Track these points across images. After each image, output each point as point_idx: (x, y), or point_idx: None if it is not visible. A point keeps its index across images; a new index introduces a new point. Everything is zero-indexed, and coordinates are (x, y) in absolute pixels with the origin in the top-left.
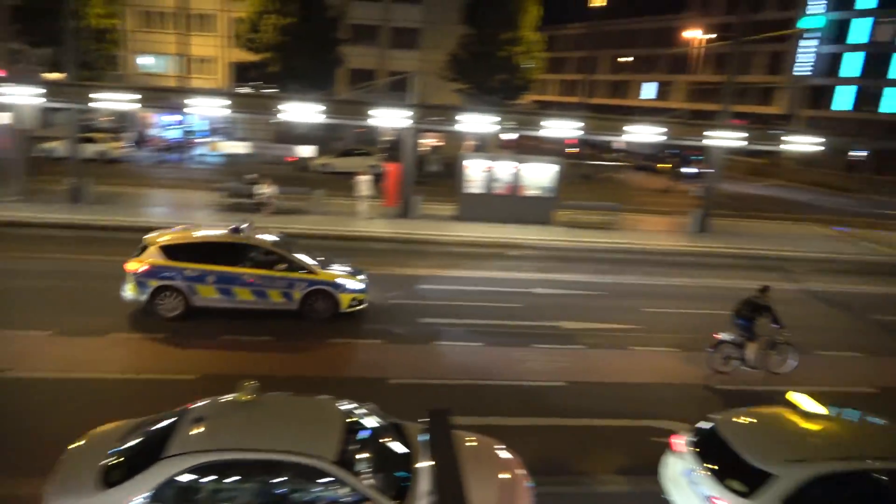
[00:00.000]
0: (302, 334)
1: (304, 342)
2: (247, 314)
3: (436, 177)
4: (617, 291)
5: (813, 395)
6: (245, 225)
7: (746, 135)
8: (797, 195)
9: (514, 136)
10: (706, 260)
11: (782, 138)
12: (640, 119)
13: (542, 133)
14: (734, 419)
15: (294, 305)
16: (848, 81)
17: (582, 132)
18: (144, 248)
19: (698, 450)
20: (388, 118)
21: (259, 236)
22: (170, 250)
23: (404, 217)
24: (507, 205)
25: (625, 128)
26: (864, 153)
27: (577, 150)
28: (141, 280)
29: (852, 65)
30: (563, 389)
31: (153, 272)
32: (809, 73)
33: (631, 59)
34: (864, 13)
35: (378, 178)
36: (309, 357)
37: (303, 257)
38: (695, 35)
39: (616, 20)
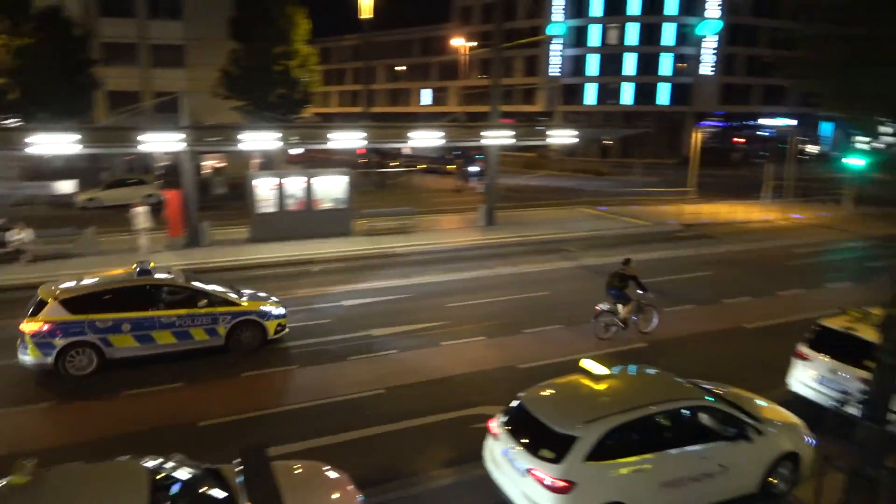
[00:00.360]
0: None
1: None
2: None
3: (223, 199)
4: (422, 292)
5: (599, 358)
6: (150, 265)
7: (515, 132)
8: (565, 183)
9: (301, 150)
10: (497, 251)
11: (546, 133)
12: (421, 125)
13: (328, 145)
14: (537, 393)
15: (220, 341)
16: (592, 80)
17: (367, 141)
18: (39, 305)
19: (510, 428)
20: (159, 143)
21: (161, 275)
22: (72, 303)
23: (194, 246)
24: (304, 220)
25: (409, 134)
26: (611, 141)
27: (367, 159)
28: (42, 341)
29: (593, 65)
30: (382, 397)
31: (58, 329)
32: (560, 74)
33: (405, 67)
34: (596, 20)
35: (157, 207)
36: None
37: (218, 289)
38: (460, 43)
39: (388, 31)
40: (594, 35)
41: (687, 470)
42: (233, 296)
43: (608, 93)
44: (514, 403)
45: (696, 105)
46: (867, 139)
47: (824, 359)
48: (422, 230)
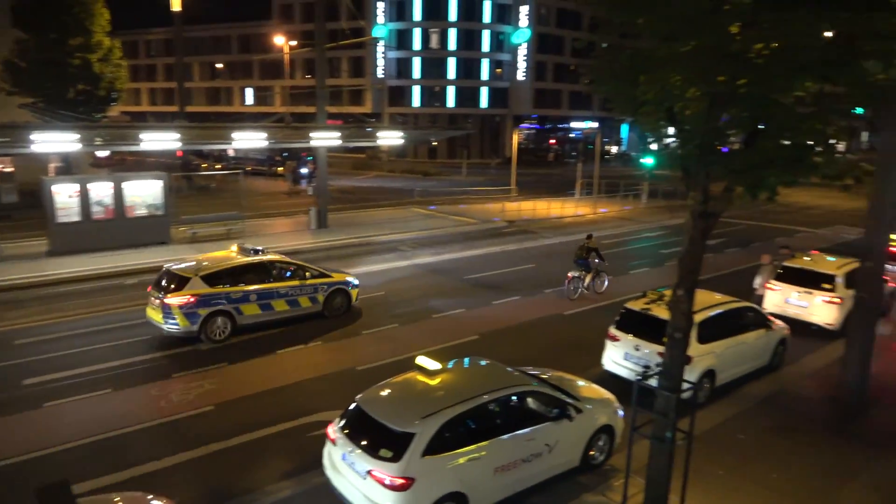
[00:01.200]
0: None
1: None
2: None
3: (14, 209)
4: None
5: (434, 354)
6: (260, 248)
7: (343, 133)
8: (395, 183)
9: (108, 152)
10: (330, 253)
11: (375, 134)
12: (243, 125)
13: (140, 147)
14: (374, 394)
15: (319, 307)
16: (417, 82)
17: (184, 143)
18: (168, 281)
19: (348, 431)
20: None
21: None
22: (211, 278)
23: None
24: (114, 229)
25: (231, 135)
26: (437, 142)
27: (186, 161)
28: (189, 311)
29: (417, 68)
30: (211, 414)
31: (202, 301)
32: (386, 76)
33: (224, 65)
34: (417, 24)
35: None
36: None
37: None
38: (282, 41)
39: (203, 26)
40: (417, 39)
41: (518, 453)
42: (323, 269)
43: (433, 95)
44: (352, 406)
45: (514, 108)
46: (653, 140)
47: (629, 338)
48: (250, 235)
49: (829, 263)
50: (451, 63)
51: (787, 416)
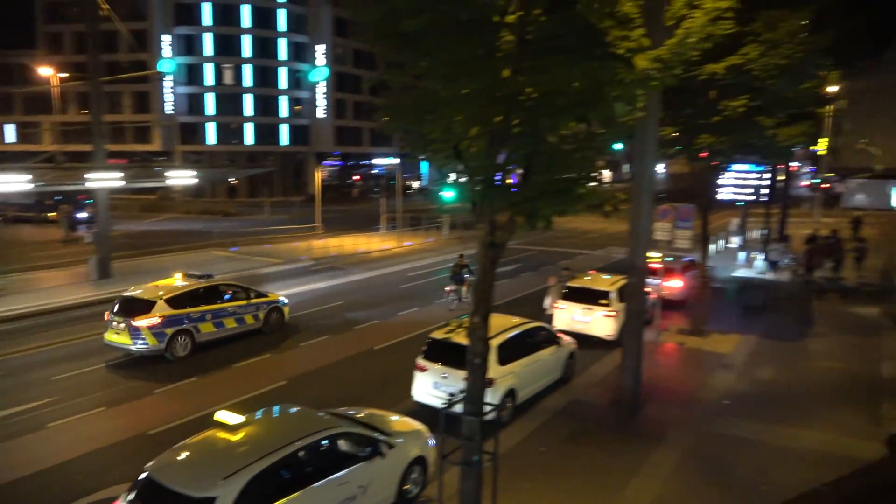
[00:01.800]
0: None
1: None
2: None
3: None
4: (19, 364)
5: (236, 406)
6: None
7: (127, 173)
8: (192, 225)
9: None
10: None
11: (164, 174)
12: (2, 166)
13: None
14: (168, 459)
15: (260, 324)
16: (212, 119)
17: None
18: (132, 306)
19: None
20: None
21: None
22: (174, 301)
23: None
24: None
25: None
26: (236, 180)
27: None
28: (157, 331)
29: (211, 104)
30: None
31: (168, 322)
32: (175, 112)
33: None
34: (209, 59)
35: None
36: None
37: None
38: (50, 73)
39: None
40: (209, 74)
41: (332, 498)
42: (262, 290)
43: (230, 132)
44: (141, 476)
45: (316, 145)
46: (446, 175)
47: (436, 367)
48: (16, 292)
49: (604, 281)
50: (248, 99)
51: (581, 424)
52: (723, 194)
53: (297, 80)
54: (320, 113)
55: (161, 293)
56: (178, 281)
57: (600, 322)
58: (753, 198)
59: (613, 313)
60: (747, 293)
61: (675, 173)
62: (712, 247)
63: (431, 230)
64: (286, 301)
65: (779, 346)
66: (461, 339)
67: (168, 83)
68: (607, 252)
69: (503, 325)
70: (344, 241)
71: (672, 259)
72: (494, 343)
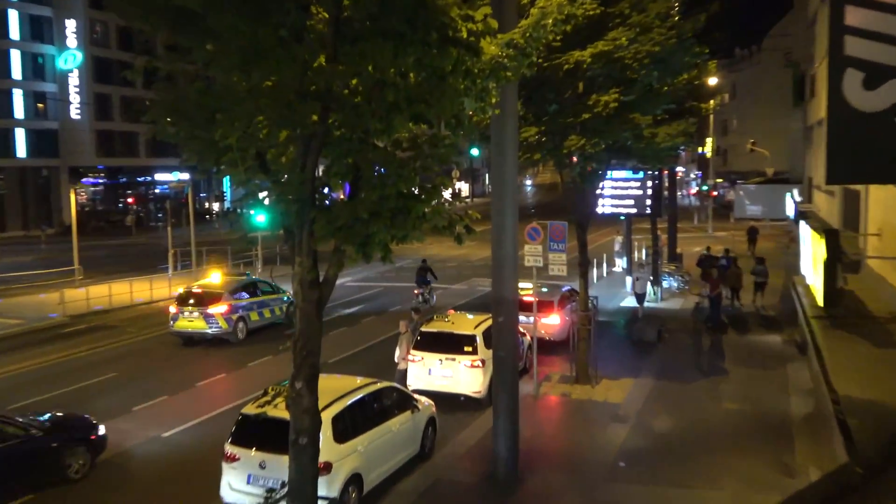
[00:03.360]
0: None
1: None
2: None
3: None
4: None
5: None
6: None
7: None
8: None
9: None
10: None
11: None
12: None
13: None
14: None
15: (282, 317)
16: None
17: None
18: (203, 298)
19: None
20: None
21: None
22: (233, 292)
23: None
24: None
25: None
26: None
27: None
28: (227, 317)
29: None
30: None
31: (233, 310)
32: None
33: None
34: None
35: None
36: None
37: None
38: None
39: None
40: None
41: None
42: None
43: None
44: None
45: (70, 158)
46: (253, 192)
47: (252, 453)
48: None
49: (468, 322)
50: None
51: None
52: (603, 207)
53: (37, 68)
54: (74, 113)
55: (223, 286)
56: (225, 277)
57: (465, 375)
58: (634, 210)
59: (480, 363)
60: (638, 327)
61: (545, 184)
62: (594, 272)
63: (240, 266)
64: None
65: (676, 389)
66: (283, 412)
67: None
68: (471, 285)
69: (340, 390)
70: (115, 289)
71: (547, 290)
72: (328, 414)
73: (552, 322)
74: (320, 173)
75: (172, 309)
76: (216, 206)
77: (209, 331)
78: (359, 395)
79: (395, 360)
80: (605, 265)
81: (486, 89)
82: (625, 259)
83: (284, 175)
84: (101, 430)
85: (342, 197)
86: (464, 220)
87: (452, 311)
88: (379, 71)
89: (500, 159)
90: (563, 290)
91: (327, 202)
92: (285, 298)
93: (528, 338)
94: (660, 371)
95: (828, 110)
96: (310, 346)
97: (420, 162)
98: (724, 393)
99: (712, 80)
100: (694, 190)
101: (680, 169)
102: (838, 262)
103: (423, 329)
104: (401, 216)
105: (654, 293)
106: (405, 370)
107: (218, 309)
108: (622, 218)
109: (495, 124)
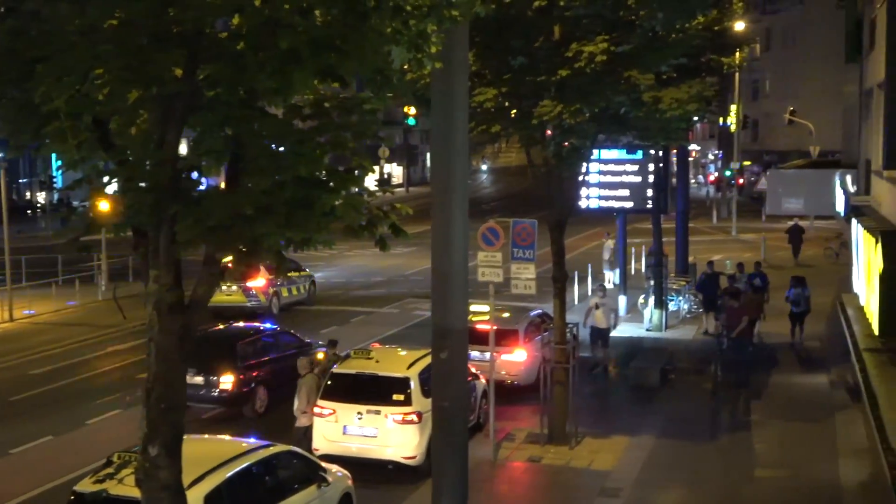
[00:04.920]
0: None
1: None
2: None
3: None
4: None
5: None
6: None
7: None
8: None
9: None
10: None
11: None
12: None
13: None
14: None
15: (305, 295)
16: None
17: None
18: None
19: None
20: None
21: None
22: (269, 270)
23: None
24: None
25: None
26: None
27: None
28: (265, 292)
29: None
30: None
31: (270, 284)
32: None
33: None
34: None
35: None
36: None
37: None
38: None
39: None
40: None
41: None
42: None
43: None
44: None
45: None
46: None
47: None
48: None
49: (399, 360)
50: None
51: None
52: (588, 200)
53: None
54: None
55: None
56: None
57: (395, 435)
58: (631, 204)
59: (416, 417)
60: (635, 365)
61: (509, 168)
62: (575, 289)
63: (76, 284)
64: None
65: (687, 451)
66: (131, 489)
67: None
68: (405, 308)
69: (218, 457)
70: None
71: (510, 315)
72: (198, 493)
73: (516, 359)
74: (186, 151)
75: None
76: (41, 197)
77: (247, 304)
78: (244, 465)
79: (294, 412)
80: (590, 280)
81: (423, 34)
82: (617, 271)
83: (134, 153)
84: None
85: (219, 185)
86: (390, 217)
87: (377, 345)
88: (269, 5)
89: (445, 132)
90: (532, 314)
91: (196, 192)
92: (306, 277)
93: (484, 381)
94: (664, 426)
95: (887, 69)
96: (170, 396)
97: (329, 136)
98: (752, 456)
99: (739, 26)
100: (713, 176)
101: (694, 147)
102: None
103: (336, 370)
104: (301, 212)
105: (656, 319)
106: (308, 427)
107: (258, 283)
108: (615, 215)
109: (438, 84)
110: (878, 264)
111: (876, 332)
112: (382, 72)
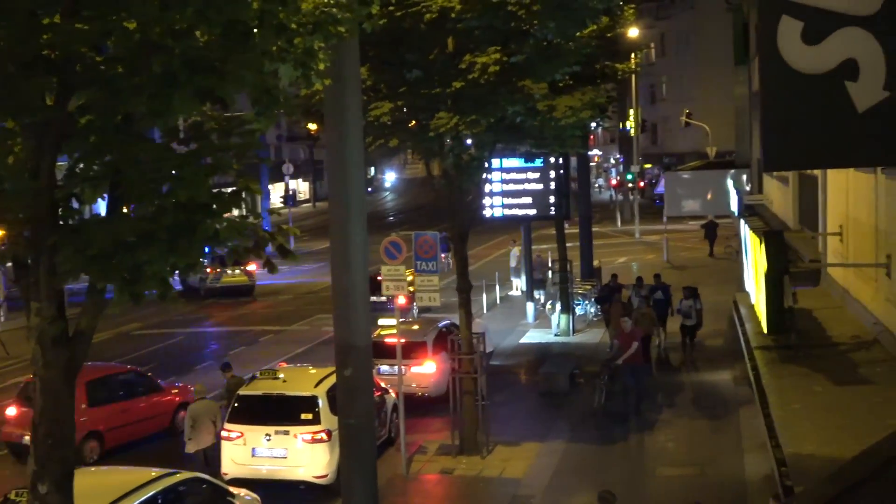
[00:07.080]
0: None
1: None
2: None
3: None
4: None
5: None
6: None
7: None
8: None
9: None
10: None
11: None
12: None
13: None
14: None
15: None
16: None
17: None
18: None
19: None
20: None
21: None
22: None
23: None
24: None
25: None
26: None
27: None
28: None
29: None
30: None
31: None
32: None
33: None
34: None
35: None
36: None
37: None
38: None
39: None
40: None
41: None
42: None
43: None
44: None
45: None
46: None
47: None
48: None
49: (306, 379)
50: None
51: None
52: (492, 209)
53: None
54: None
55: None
56: None
57: (304, 454)
58: (534, 212)
59: (325, 436)
60: (544, 371)
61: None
62: (483, 297)
63: None
64: None
65: (597, 453)
66: None
67: None
68: (314, 325)
69: (119, 488)
70: None
71: (418, 328)
72: None
73: (426, 371)
74: (64, 179)
75: (209, 270)
76: None
77: (249, 283)
78: (149, 493)
79: (185, 438)
80: (497, 288)
81: (310, 51)
82: (523, 278)
83: (9, 183)
84: None
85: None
86: (276, 238)
87: (284, 364)
88: (141, 28)
89: (340, 147)
90: (441, 325)
91: (74, 221)
92: None
93: (393, 395)
94: (574, 430)
95: (760, 73)
96: (58, 431)
97: (209, 158)
98: (660, 454)
99: (633, 32)
100: (615, 180)
101: (596, 152)
102: (786, 273)
103: (243, 392)
104: (184, 237)
105: (563, 324)
106: (202, 451)
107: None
108: (519, 224)
109: (330, 99)
110: (763, 264)
111: (765, 330)
112: (269, 91)
